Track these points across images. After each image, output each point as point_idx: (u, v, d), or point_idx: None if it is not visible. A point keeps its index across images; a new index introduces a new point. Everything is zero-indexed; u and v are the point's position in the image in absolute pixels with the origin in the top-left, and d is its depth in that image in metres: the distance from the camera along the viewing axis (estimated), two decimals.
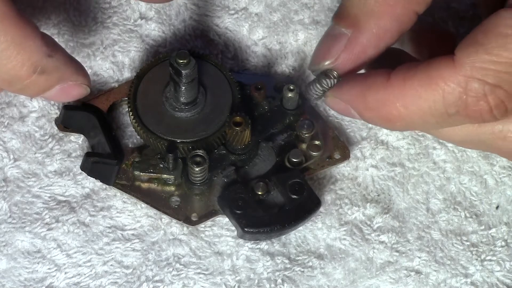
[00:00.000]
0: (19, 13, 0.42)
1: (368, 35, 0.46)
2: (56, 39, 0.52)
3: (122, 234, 0.49)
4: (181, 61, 0.46)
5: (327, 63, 0.47)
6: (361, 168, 0.51)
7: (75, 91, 0.46)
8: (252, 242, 0.49)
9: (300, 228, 0.49)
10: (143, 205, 0.49)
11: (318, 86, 0.47)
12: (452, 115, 0.43)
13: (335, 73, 0.47)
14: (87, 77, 0.47)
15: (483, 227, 0.50)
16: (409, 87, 0.43)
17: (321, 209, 0.49)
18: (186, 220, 0.48)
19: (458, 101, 0.42)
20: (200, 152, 0.47)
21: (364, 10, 0.46)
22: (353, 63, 0.46)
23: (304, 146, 0.50)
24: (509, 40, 0.41)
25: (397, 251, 0.49)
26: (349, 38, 0.46)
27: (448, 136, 0.47)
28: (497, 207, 0.51)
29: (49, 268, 0.47)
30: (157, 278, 0.48)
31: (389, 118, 0.44)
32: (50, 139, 0.50)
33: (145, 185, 0.49)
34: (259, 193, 0.48)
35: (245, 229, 0.47)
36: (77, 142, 0.51)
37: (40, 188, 0.49)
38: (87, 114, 0.50)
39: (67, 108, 0.50)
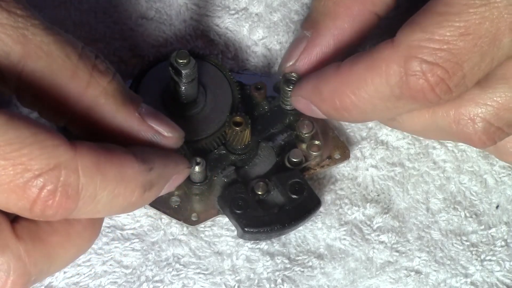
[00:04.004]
0: (114, 152, 0.40)
1: (326, 36, 0.48)
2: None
3: (121, 234, 0.49)
4: (181, 60, 0.46)
5: (288, 64, 0.49)
6: (361, 168, 0.51)
7: (180, 179, 0.45)
8: (252, 242, 0.49)
9: (300, 228, 0.49)
10: None
11: (283, 89, 0.48)
12: (398, 97, 0.43)
13: (294, 75, 0.48)
14: (184, 161, 0.45)
15: (483, 227, 0.50)
16: (355, 73, 0.44)
17: (321, 209, 0.49)
18: (186, 220, 0.48)
19: (400, 81, 0.42)
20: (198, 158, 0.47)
21: (323, 12, 0.48)
22: (312, 63, 0.48)
23: (304, 146, 0.50)
24: (445, 18, 0.41)
25: (397, 251, 0.49)
26: (308, 40, 0.48)
27: (408, 127, 0.47)
28: (497, 207, 0.51)
29: None
30: (157, 278, 0.48)
31: (343, 107, 0.45)
32: None
33: None
34: (259, 193, 0.48)
35: (245, 229, 0.47)
36: None
37: None
38: None
39: None
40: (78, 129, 0.42)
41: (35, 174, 0.37)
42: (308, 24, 0.49)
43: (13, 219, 0.39)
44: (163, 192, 0.43)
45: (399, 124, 0.48)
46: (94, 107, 0.41)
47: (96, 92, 0.41)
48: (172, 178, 0.43)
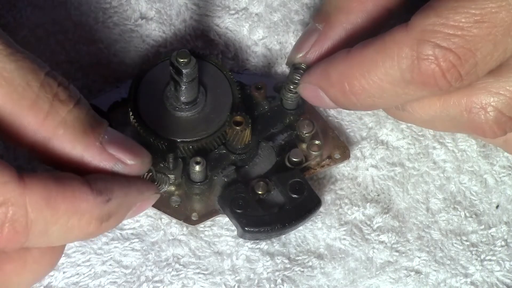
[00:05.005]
0: (68, 184, 0.39)
1: (338, 30, 0.48)
2: (56, 38, 0.53)
3: (121, 234, 0.48)
4: (182, 60, 0.46)
5: (298, 56, 0.49)
6: (361, 168, 0.51)
7: (147, 205, 0.44)
8: (252, 242, 0.49)
9: (300, 228, 0.49)
10: None
11: (291, 79, 0.48)
12: (409, 82, 0.43)
13: (303, 66, 0.48)
14: (151, 187, 0.44)
15: (483, 227, 0.50)
16: (366, 56, 0.43)
17: (321, 209, 0.49)
18: (186, 219, 0.48)
19: (411, 65, 0.42)
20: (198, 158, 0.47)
21: (336, 6, 0.48)
22: (323, 56, 0.48)
23: (304, 145, 0.50)
24: (460, 4, 0.41)
25: (397, 251, 0.49)
26: (320, 32, 0.48)
27: (418, 116, 0.47)
28: (497, 207, 0.51)
29: None
30: (156, 278, 0.48)
31: (352, 91, 0.44)
32: None
33: None
34: (260, 192, 0.48)
35: (246, 228, 0.47)
36: None
37: None
38: None
39: None
40: (38, 157, 0.41)
41: None
42: (321, 17, 0.49)
43: None
44: (129, 217, 0.43)
45: (408, 115, 0.47)
46: (53, 138, 0.40)
47: (54, 123, 0.40)
48: (135, 206, 0.43)
